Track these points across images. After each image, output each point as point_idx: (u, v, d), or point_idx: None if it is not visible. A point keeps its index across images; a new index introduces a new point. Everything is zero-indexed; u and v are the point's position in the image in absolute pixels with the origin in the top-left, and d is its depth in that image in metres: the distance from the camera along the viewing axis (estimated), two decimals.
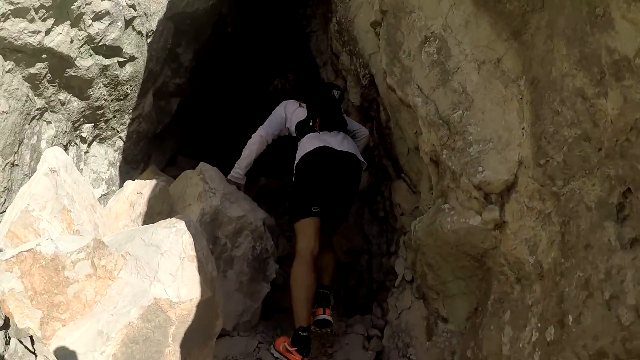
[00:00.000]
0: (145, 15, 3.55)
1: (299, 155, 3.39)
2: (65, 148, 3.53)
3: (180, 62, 4.45)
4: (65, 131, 3.47)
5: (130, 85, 3.68)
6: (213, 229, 3.10)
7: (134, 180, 4.38)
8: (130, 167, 4.40)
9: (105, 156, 4.00)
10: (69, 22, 2.89)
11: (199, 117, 6.42)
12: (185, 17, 4.07)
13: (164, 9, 3.79)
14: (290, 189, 3.58)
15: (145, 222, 3.13)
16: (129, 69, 3.56)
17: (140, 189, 3.33)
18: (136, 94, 3.84)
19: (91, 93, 3.37)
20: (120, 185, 4.13)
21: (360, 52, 4.11)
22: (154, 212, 3.24)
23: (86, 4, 2.85)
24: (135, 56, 3.54)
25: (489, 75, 2.70)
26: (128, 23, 3.27)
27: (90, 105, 3.46)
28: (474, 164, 2.61)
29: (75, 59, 3.02)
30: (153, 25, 3.68)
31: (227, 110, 6.55)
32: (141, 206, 3.24)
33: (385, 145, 4.04)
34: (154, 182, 3.28)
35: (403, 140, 3.70)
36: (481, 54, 2.72)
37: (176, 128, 5.62)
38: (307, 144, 3.37)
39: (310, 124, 3.50)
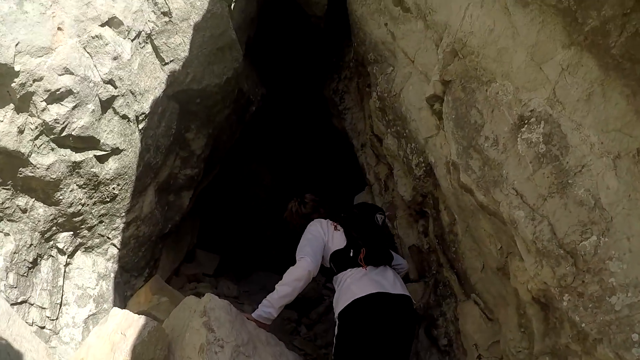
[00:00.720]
0: (132, 93, 2.72)
1: (345, 299, 2.65)
2: (34, 264, 2.62)
3: (192, 149, 3.61)
4: (32, 244, 2.58)
5: (118, 184, 2.83)
6: None
7: (138, 291, 3.48)
8: (130, 276, 3.48)
9: (93, 268, 3.10)
10: (12, 105, 2.06)
11: (221, 206, 5.55)
12: (192, 95, 3.26)
13: (163, 85, 2.97)
14: (334, 342, 2.72)
15: None
16: (113, 164, 2.72)
17: (125, 329, 2.35)
18: (128, 194, 2.97)
19: (61, 197, 2.50)
20: (116, 301, 3.19)
21: (412, 135, 3.19)
22: None
23: (34, 80, 2.03)
24: (121, 147, 2.70)
25: (632, 176, 1.73)
26: (106, 105, 2.44)
27: (63, 212, 2.59)
28: (622, 328, 1.67)
29: (29, 155, 2.17)
30: (146, 106, 2.85)
31: (251, 197, 5.66)
32: (123, 356, 2.25)
33: (447, 254, 3.02)
34: (141, 321, 2.33)
35: (477, 254, 2.68)
36: (614, 142, 1.77)
37: (193, 221, 4.74)
38: (355, 285, 2.66)
39: (351, 254, 2.77)
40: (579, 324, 1.75)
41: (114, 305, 3.11)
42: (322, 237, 2.83)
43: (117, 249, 3.20)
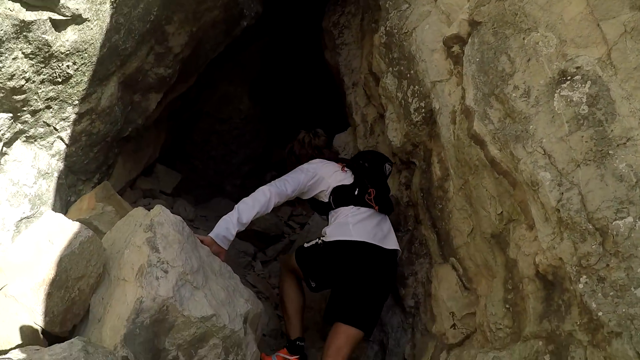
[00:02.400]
0: None
1: (339, 232, 2.58)
2: None
3: (169, 45, 3.08)
4: None
5: (75, 63, 2.31)
6: (155, 337, 1.71)
7: (82, 197, 3.00)
8: (77, 179, 2.99)
9: (33, 162, 2.61)
10: None
11: (190, 124, 5.03)
12: None
13: None
14: (305, 247, 2.70)
15: (50, 297, 1.75)
16: (71, 35, 2.19)
17: (54, 236, 1.91)
18: (86, 78, 2.45)
19: (0, 65, 1.97)
20: (56, 205, 2.74)
21: (418, 77, 2.78)
22: (71, 277, 1.85)
23: None
24: (85, 16, 2.17)
25: None
26: None
27: (1, 85, 2.06)
28: None
29: None
30: None
31: (224, 120, 5.15)
32: (47, 268, 1.83)
33: (431, 211, 2.69)
34: (74, 228, 1.90)
35: (467, 216, 2.35)
36: None
37: (157, 133, 4.22)
38: (353, 225, 2.57)
39: (356, 192, 2.67)
40: (595, 311, 1.47)
41: (53, 210, 2.64)
42: (313, 175, 2.70)
43: (65, 144, 2.70)
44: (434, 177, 2.68)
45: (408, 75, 2.91)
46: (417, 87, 2.80)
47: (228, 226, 2.37)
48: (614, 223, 1.47)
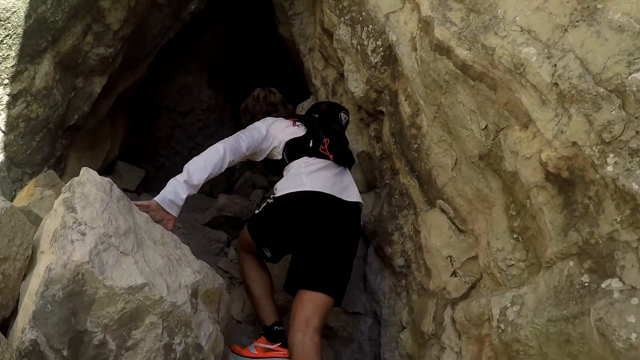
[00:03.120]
0: None
1: (291, 185, 2.28)
2: None
3: (107, 22, 2.83)
4: None
5: None
6: (72, 315, 1.38)
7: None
8: (23, 172, 2.70)
9: None
10: None
11: (151, 119, 4.76)
12: None
13: None
14: (252, 217, 2.45)
15: None
16: None
17: None
18: (13, 53, 2.18)
19: None
20: None
21: (370, 16, 2.59)
22: None
23: None
24: None
25: None
26: None
27: None
28: None
29: None
30: None
31: (186, 112, 4.90)
32: None
33: (407, 154, 2.48)
34: None
35: (448, 147, 2.15)
36: None
37: (116, 127, 3.95)
38: (307, 176, 2.28)
39: (311, 144, 2.41)
40: (638, 194, 1.17)
41: None
42: (266, 132, 2.41)
43: (2, 131, 2.42)
44: (404, 116, 2.47)
45: (360, 18, 2.72)
46: (370, 26, 2.60)
47: (176, 190, 1.94)
48: (629, 78, 1.22)
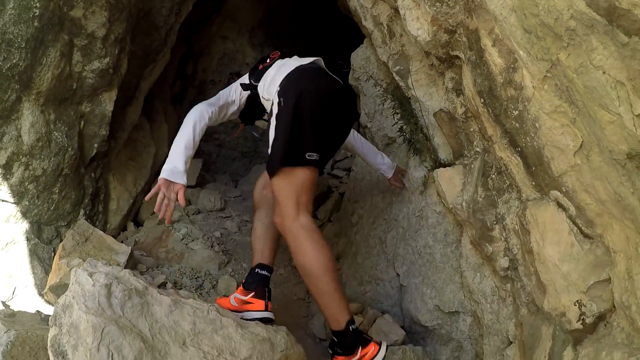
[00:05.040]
0: None
1: (282, 72, 1.91)
2: None
3: (89, 32, 2.20)
4: None
5: None
6: None
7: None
8: (57, 228, 2.33)
9: None
10: None
11: (197, 94, 4.15)
12: None
13: None
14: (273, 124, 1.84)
15: None
16: None
17: None
18: None
19: None
20: (36, 274, 2.07)
21: None
22: None
23: None
24: None
25: None
26: None
27: None
28: None
29: None
30: None
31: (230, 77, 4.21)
32: None
33: (504, 124, 1.66)
34: None
35: (568, 122, 1.33)
36: None
37: (158, 124, 3.43)
38: (290, 62, 1.99)
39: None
40: None
41: (34, 282, 1.96)
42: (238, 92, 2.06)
43: (12, 203, 1.95)
44: (494, 68, 1.59)
45: None
46: None
47: (172, 163, 1.71)
48: None
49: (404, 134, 2.25)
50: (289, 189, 1.74)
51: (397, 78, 2.40)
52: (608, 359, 1.22)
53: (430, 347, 2.22)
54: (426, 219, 2.23)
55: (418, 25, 2.04)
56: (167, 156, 1.74)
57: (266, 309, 1.77)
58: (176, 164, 1.71)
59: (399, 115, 2.28)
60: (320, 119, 1.78)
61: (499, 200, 1.77)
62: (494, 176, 1.79)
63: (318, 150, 1.77)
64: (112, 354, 1.10)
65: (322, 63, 2.03)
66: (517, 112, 1.54)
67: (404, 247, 2.34)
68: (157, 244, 2.57)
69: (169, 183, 1.68)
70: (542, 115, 1.41)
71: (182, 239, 2.55)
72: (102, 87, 2.35)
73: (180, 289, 2.15)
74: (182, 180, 1.68)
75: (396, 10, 2.42)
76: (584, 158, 1.29)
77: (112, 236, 2.77)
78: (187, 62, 3.94)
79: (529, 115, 1.47)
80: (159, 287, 2.09)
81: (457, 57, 1.96)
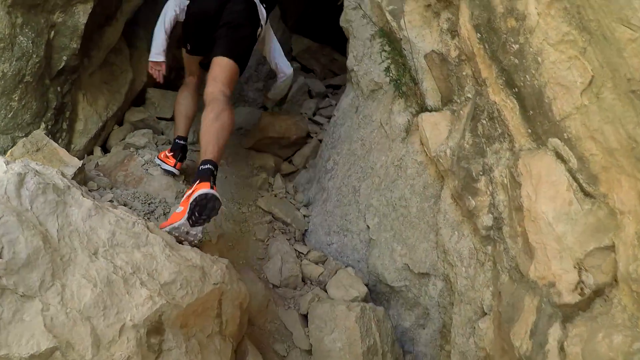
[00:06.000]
0: None
1: None
2: None
3: None
4: None
5: None
6: None
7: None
8: (13, 138, 2.15)
9: None
10: None
11: None
12: None
13: None
14: None
15: None
16: None
17: None
18: None
19: None
20: None
21: None
22: None
23: None
24: None
25: None
26: None
27: None
28: None
29: None
30: None
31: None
32: None
33: (501, 60, 1.50)
34: None
35: (577, 53, 1.17)
36: None
37: (139, 51, 3.16)
38: None
39: None
40: None
41: None
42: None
43: None
44: None
45: None
46: None
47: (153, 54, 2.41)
48: None
49: (391, 74, 2.06)
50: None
51: (389, 17, 2.19)
52: (606, 343, 1.03)
53: (393, 311, 2.08)
54: (405, 169, 2.07)
55: None
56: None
57: (174, 167, 2.28)
58: (156, 49, 2.39)
59: (386, 53, 2.09)
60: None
61: (487, 149, 1.60)
62: (484, 122, 1.62)
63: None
64: (3, 247, 0.92)
65: None
66: (517, 45, 1.36)
67: (377, 198, 2.19)
68: (118, 167, 2.38)
69: (152, 64, 2.42)
70: (546, 47, 1.23)
71: (144, 164, 2.37)
72: None
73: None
74: (161, 58, 2.40)
75: None
76: (593, 97, 1.12)
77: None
78: None
79: (531, 49, 1.29)
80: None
81: None
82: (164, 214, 2.06)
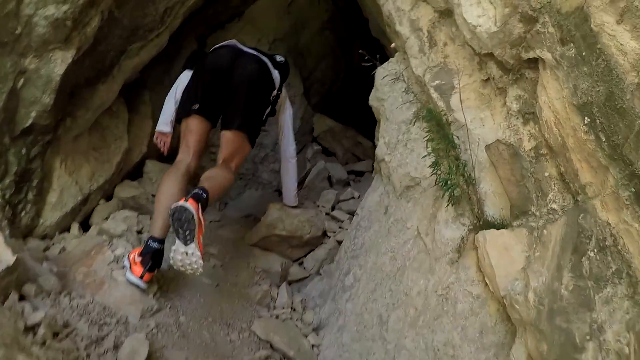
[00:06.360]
0: None
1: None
2: None
3: None
4: None
5: None
6: None
7: None
8: None
9: None
10: None
11: None
12: None
13: None
14: None
15: None
16: None
17: None
18: None
19: None
20: None
21: None
22: None
23: None
24: None
25: None
26: None
27: None
28: None
29: None
30: None
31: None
32: None
33: (632, 161, 0.86)
34: None
35: None
36: None
37: (140, 110, 2.81)
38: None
39: None
40: None
41: None
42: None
43: None
44: (619, 62, 0.87)
45: None
46: None
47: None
48: None
49: (437, 171, 1.49)
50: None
51: (434, 96, 1.68)
52: None
53: None
54: (454, 302, 1.43)
55: (479, 12, 1.36)
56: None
57: (140, 279, 1.77)
58: (164, 119, 2.32)
59: (433, 143, 1.53)
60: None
61: (596, 297, 0.98)
62: (592, 254, 1.00)
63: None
64: None
65: (237, 43, 2.32)
66: None
67: (413, 338, 1.52)
68: (83, 260, 1.83)
69: (159, 134, 2.35)
70: None
71: (111, 262, 1.80)
72: (54, 43, 1.71)
73: (66, 337, 1.37)
74: (168, 129, 2.32)
75: (441, 13, 1.75)
76: None
77: (44, 235, 2.07)
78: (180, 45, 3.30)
79: None
80: (32, 327, 1.35)
81: (532, 61, 1.24)
82: (115, 347, 1.45)
